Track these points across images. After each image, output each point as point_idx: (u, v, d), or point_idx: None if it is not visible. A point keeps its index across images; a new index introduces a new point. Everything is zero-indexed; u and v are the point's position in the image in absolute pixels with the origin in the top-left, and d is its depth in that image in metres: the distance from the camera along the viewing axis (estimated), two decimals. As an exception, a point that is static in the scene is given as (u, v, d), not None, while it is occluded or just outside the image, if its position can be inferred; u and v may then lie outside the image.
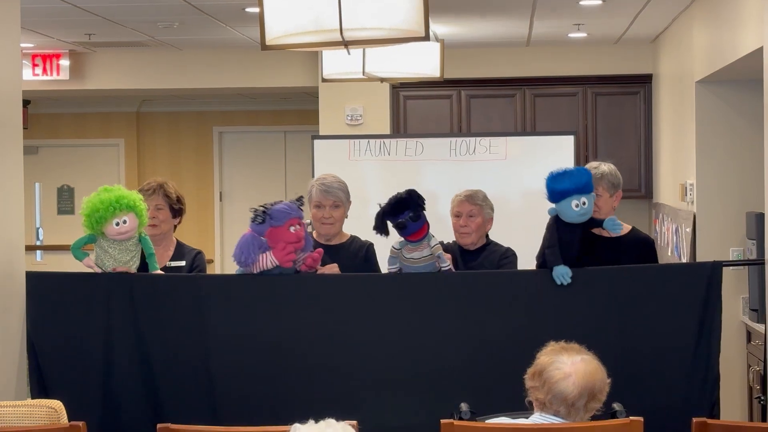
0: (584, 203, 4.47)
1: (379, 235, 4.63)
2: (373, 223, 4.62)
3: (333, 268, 4.71)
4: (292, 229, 4.47)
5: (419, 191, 4.66)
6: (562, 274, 4.47)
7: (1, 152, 4.52)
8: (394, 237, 4.64)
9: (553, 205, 4.53)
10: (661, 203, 8.90)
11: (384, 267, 4.81)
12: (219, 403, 4.55)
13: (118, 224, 4.56)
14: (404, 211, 4.56)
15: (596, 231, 4.81)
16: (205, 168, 12.89)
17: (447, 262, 4.64)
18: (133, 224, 4.59)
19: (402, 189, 4.69)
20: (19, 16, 4.70)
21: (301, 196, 4.65)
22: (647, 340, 4.51)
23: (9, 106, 4.61)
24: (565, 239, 4.49)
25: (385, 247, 4.81)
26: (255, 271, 4.52)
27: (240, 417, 4.29)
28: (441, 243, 4.87)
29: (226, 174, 12.97)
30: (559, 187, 4.49)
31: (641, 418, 3.38)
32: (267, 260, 4.50)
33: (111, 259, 4.62)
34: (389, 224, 4.58)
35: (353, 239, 5.10)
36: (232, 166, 12.98)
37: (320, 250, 4.67)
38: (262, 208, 4.49)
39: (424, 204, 4.63)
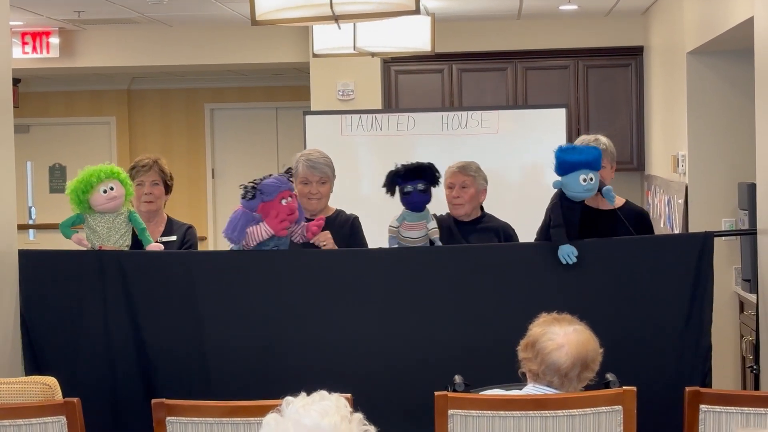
0: (591, 179, 4.45)
1: (386, 193, 4.69)
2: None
3: (326, 236, 4.71)
4: (283, 201, 4.48)
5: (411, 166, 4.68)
6: (568, 253, 4.45)
7: (-8, 130, 4.51)
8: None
9: (558, 178, 4.49)
10: (653, 175, 8.91)
11: (379, 244, 4.82)
12: (212, 378, 4.57)
13: (105, 191, 4.56)
14: (417, 180, 4.57)
15: (591, 203, 4.82)
16: (197, 145, 12.87)
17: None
18: (120, 191, 4.59)
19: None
20: (7, -6, 4.67)
21: (290, 168, 4.65)
22: (640, 310, 4.52)
23: (-1, 84, 4.59)
24: (567, 217, 4.48)
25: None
26: (252, 244, 4.52)
27: (233, 391, 4.29)
28: (435, 216, 4.89)
29: (218, 151, 12.95)
30: (569, 159, 4.45)
31: (634, 388, 3.39)
32: (261, 230, 4.50)
33: (99, 238, 4.62)
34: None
35: (338, 213, 5.10)
36: (223, 143, 12.96)
37: (322, 217, 4.68)
38: (251, 184, 4.48)
39: (437, 182, 4.66)
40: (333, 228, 4.83)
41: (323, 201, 5.03)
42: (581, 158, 4.45)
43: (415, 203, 4.64)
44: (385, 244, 4.75)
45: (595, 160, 4.47)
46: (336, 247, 4.74)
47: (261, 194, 4.46)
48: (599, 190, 4.55)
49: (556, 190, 4.56)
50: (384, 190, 4.75)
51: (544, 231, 4.61)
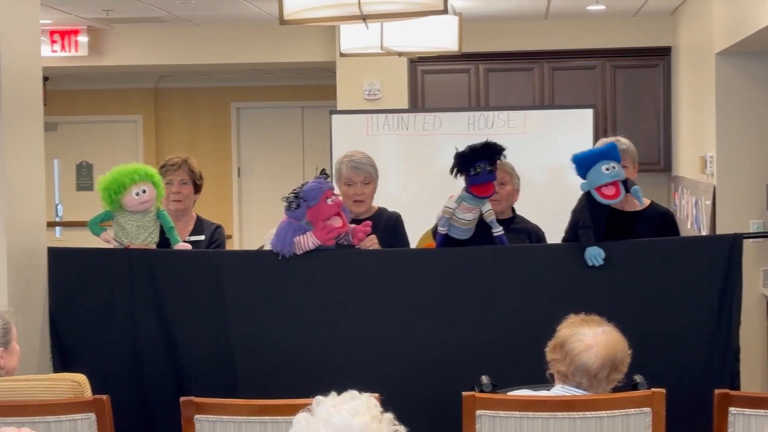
0: (613, 167, 4.47)
1: (453, 176, 4.57)
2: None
3: (372, 241, 4.70)
4: (329, 201, 4.48)
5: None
6: (595, 255, 4.45)
7: (23, 129, 4.54)
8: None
9: (578, 181, 4.50)
10: (681, 176, 8.87)
11: (414, 239, 4.78)
12: (239, 376, 4.58)
13: (138, 194, 4.58)
14: (484, 159, 4.51)
15: (617, 205, 4.81)
16: (223, 144, 12.90)
17: (500, 228, 4.61)
18: (152, 194, 4.62)
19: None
20: (38, -8, 4.70)
21: (324, 169, 4.64)
22: (668, 312, 4.50)
23: (29, 83, 4.62)
24: (594, 218, 4.48)
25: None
26: (298, 252, 4.51)
27: (260, 390, 4.30)
28: None
29: (244, 150, 12.97)
30: (586, 155, 4.50)
31: (663, 390, 3.38)
32: (308, 241, 4.49)
33: (127, 236, 4.64)
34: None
35: (381, 211, 5.08)
36: (249, 142, 12.99)
37: (369, 222, 4.68)
38: (293, 194, 4.48)
39: (502, 156, 4.57)
40: (376, 226, 4.80)
41: (368, 202, 4.99)
42: (596, 151, 4.52)
43: (483, 181, 4.52)
44: (416, 239, 4.70)
45: (608, 151, 4.51)
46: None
47: (305, 201, 4.45)
48: (627, 190, 4.54)
49: (583, 193, 4.55)
50: (450, 173, 4.60)
51: (572, 232, 4.60)
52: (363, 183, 4.97)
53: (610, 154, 4.51)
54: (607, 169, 4.45)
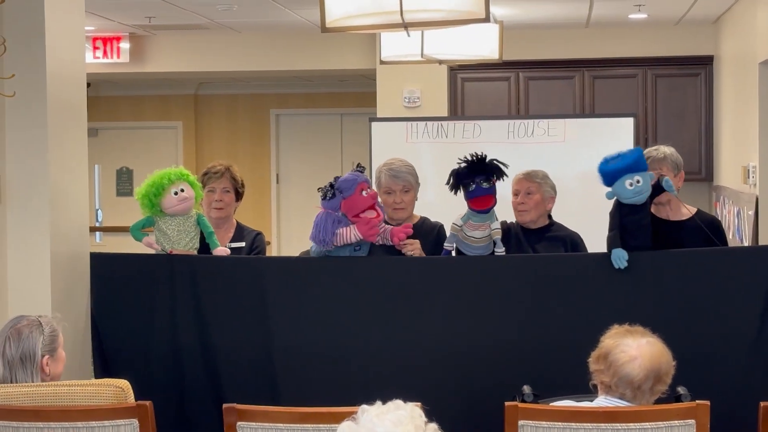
0: (638, 181, 4.43)
1: (451, 191, 4.67)
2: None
3: (415, 245, 4.70)
4: (363, 193, 4.49)
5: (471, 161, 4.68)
6: (619, 257, 4.44)
7: (67, 134, 4.57)
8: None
9: (609, 189, 4.49)
10: (722, 186, 8.81)
11: None
12: (279, 383, 4.59)
13: (176, 193, 4.61)
14: (479, 174, 4.58)
15: (662, 215, 4.79)
16: (262, 150, 12.95)
17: (502, 248, 4.64)
18: (190, 192, 4.65)
19: (457, 163, 4.71)
20: (83, 0, 4.74)
21: (360, 163, 4.65)
22: (710, 323, 4.47)
23: (74, 89, 4.66)
24: (631, 221, 4.45)
25: (448, 223, 4.78)
26: (339, 244, 4.52)
27: (301, 397, 4.31)
28: (504, 222, 4.86)
29: (283, 156, 13.02)
30: (610, 168, 4.46)
31: (707, 402, 3.34)
32: (351, 234, 4.50)
33: (169, 241, 4.67)
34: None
35: (424, 220, 5.07)
36: (288, 149, 13.03)
37: (409, 224, 4.67)
38: (329, 184, 4.50)
39: (501, 176, 4.63)
40: (418, 235, 4.80)
41: (408, 210, 4.99)
42: (620, 165, 4.45)
43: (479, 195, 4.60)
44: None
45: (635, 162, 4.45)
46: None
47: (339, 192, 4.47)
48: (661, 191, 4.53)
49: (614, 199, 4.55)
50: (449, 190, 4.71)
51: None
52: (402, 191, 4.97)
53: (635, 166, 4.46)
54: (631, 185, 4.43)
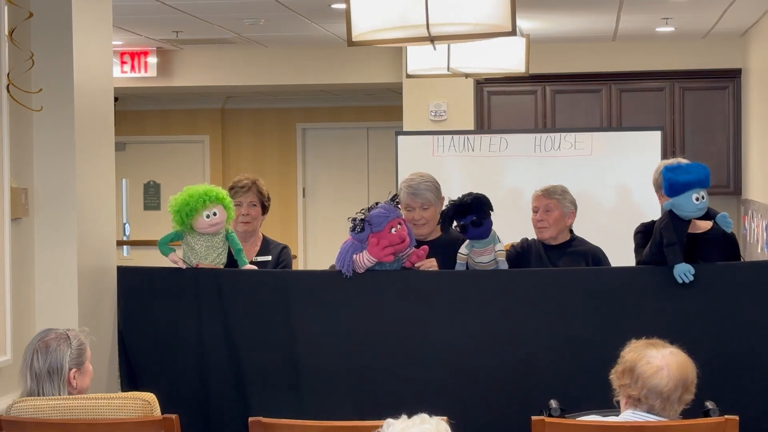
0: (703, 197, 4.41)
1: (441, 231, 4.79)
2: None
3: (432, 262, 4.70)
4: (393, 230, 4.48)
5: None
6: (685, 272, 4.38)
7: (95, 148, 4.60)
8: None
9: (669, 200, 4.44)
10: (751, 200, 8.75)
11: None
12: (305, 397, 4.58)
13: (209, 216, 4.62)
14: (468, 215, 4.62)
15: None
16: (289, 164, 12.98)
17: (506, 265, 4.70)
18: (222, 216, 4.66)
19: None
20: (111, 15, 4.77)
21: (396, 194, 4.65)
22: (738, 337, 4.44)
23: (102, 102, 4.68)
24: (679, 235, 4.42)
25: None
26: (359, 270, 4.54)
27: (326, 411, 4.30)
28: (525, 239, 4.86)
29: (309, 170, 13.04)
30: (682, 179, 4.41)
31: (736, 417, 3.32)
32: (364, 259, 4.50)
33: (196, 257, 4.68)
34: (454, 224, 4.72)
35: (447, 233, 5.07)
36: (315, 163, 13.05)
37: (425, 247, 4.68)
38: (360, 215, 4.49)
39: (489, 210, 4.68)
40: (439, 249, 4.81)
41: (429, 225, 4.99)
42: (692, 178, 4.41)
43: (474, 236, 4.67)
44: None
45: (705, 179, 4.43)
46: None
47: (370, 225, 4.46)
48: (713, 218, 4.49)
49: (666, 210, 4.50)
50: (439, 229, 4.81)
51: (656, 250, 4.52)
52: (421, 208, 4.98)
53: (705, 182, 4.42)
54: (698, 199, 4.39)
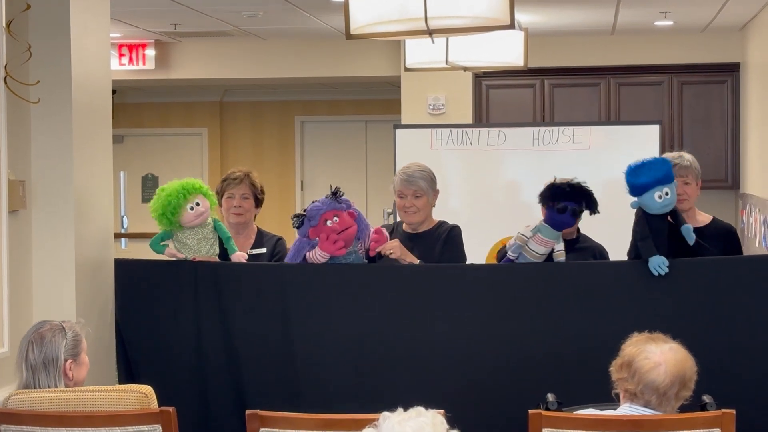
0: (667, 194, 4.41)
1: (539, 202, 4.68)
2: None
3: (393, 243, 4.69)
4: (328, 223, 4.51)
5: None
6: (659, 264, 4.40)
7: (93, 141, 4.59)
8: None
9: (634, 199, 4.46)
10: (749, 194, 8.75)
11: (476, 254, 4.76)
12: (302, 389, 4.59)
13: (192, 208, 4.63)
14: (575, 201, 4.57)
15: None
16: (287, 157, 12.98)
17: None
18: (205, 205, 4.67)
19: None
20: (108, 7, 4.76)
21: (337, 188, 4.64)
22: (734, 332, 4.44)
23: (99, 95, 4.68)
24: (654, 228, 4.43)
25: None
26: None
27: (323, 404, 4.31)
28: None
29: (308, 163, 13.04)
30: (639, 182, 4.43)
31: (733, 411, 3.32)
32: (317, 255, 4.55)
33: (190, 251, 4.69)
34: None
35: (440, 224, 5.07)
36: (313, 156, 13.05)
37: (379, 228, 4.70)
38: (302, 212, 4.57)
39: (594, 210, 4.62)
40: (430, 240, 4.79)
41: (420, 214, 5.00)
42: (650, 179, 4.42)
43: (563, 222, 4.59)
44: (478, 254, 4.70)
45: (665, 176, 4.42)
46: (407, 254, 4.72)
47: (308, 220, 4.51)
48: (679, 227, 4.49)
49: (637, 208, 4.51)
50: (537, 200, 4.71)
51: (634, 248, 4.55)
52: (413, 196, 4.98)
53: (665, 179, 4.42)
54: (660, 197, 4.40)
